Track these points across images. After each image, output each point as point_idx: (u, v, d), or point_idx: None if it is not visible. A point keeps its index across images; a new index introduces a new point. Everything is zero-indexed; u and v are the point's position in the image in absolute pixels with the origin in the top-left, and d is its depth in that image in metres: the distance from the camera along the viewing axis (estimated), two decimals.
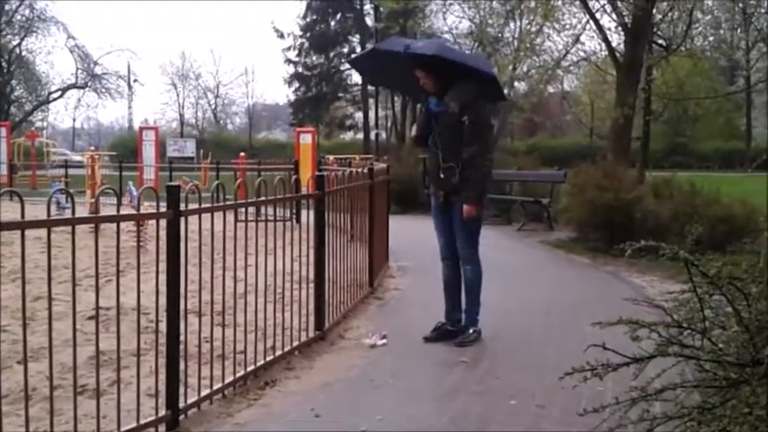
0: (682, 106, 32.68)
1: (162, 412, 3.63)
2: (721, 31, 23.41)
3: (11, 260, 6.20)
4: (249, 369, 4.35)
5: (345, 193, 6.16)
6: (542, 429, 3.68)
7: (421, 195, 14.51)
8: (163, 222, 3.72)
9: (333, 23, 45.14)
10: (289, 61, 45.05)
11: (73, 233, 3.20)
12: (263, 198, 4.68)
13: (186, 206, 3.81)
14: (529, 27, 20.20)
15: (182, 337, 3.82)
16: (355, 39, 44.64)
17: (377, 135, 43.57)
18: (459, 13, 24.46)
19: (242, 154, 19.12)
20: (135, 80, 50.89)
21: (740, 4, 19.04)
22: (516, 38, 23.33)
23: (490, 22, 20.03)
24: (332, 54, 45.00)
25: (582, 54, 18.92)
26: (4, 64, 42.19)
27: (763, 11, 19.33)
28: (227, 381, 4.11)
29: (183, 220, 3.74)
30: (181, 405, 3.74)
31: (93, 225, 3.54)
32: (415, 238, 9.32)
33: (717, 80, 28.76)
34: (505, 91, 20.13)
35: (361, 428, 3.66)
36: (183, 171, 23.41)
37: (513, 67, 20.17)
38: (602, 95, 25.69)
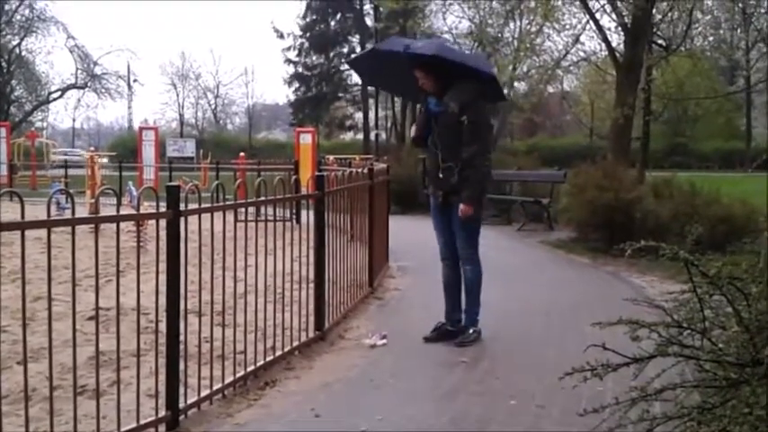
0: (682, 106, 32.70)
1: (162, 412, 3.63)
2: (721, 31, 23.43)
3: (11, 260, 6.19)
4: (249, 369, 4.35)
5: (345, 194, 6.16)
6: (542, 429, 3.68)
7: (421, 195, 14.50)
8: (163, 222, 3.72)
9: (333, 23, 45.17)
10: (289, 61, 45.09)
11: (73, 233, 3.20)
12: (262, 198, 4.67)
13: (186, 206, 3.81)
14: (529, 27, 20.22)
15: (182, 338, 3.82)
16: (355, 39, 44.66)
17: (377, 135, 43.60)
18: (458, 13, 24.52)
19: (242, 154, 19.12)
20: (135, 80, 51.01)
21: (740, 4, 19.05)
22: (516, 38, 23.36)
23: (490, 22, 20.04)
24: (332, 54, 45.02)
25: (582, 54, 18.95)
26: (3, 64, 42.20)
27: (762, 11, 19.34)
28: (227, 381, 4.11)
29: (182, 220, 3.74)
30: (181, 405, 3.74)
31: (92, 225, 3.54)
32: (414, 238, 9.32)
33: (717, 80, 28.78)
34: (505, 91, 20.13)
35: (361, 428, 3.66)
36: (182, 171, 23.40)
37: (513, 67, 20.19)
38: (602, 95, 25.72)
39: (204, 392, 3.93)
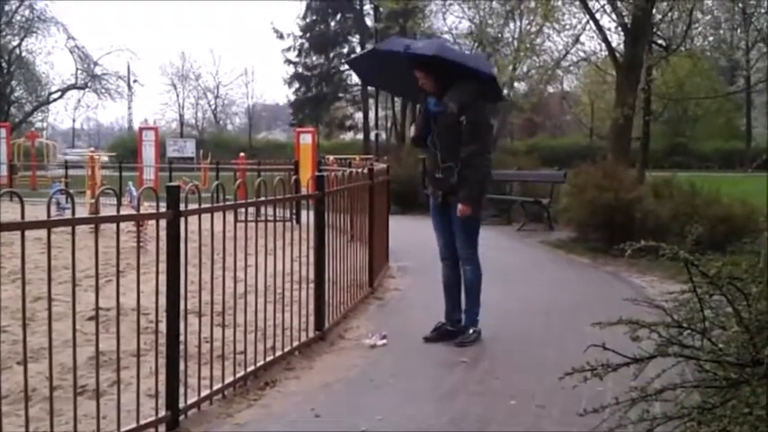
0: (681, 106, 32.68)
1: (162, 413, 3.63)
2: (721, 32, 23.42)
3: (11, 261, 6.20)
4: (249, 369, 4.35)
5: (345, 194, 6.16)
6: (542, 430, 3.68)
7: (421, 195, 14.50)
8: (163, 223, 3.72)
9: (332, 24, 45.14)
10: (288, 62, 45.07)
11: (73, 234, 3.20)
12: (262, 198, 4.68)
13: (186, 206, 3.81)
14: (529, 27, 20.23)
15: (182, 338, 3.82)
16: (355, 39, 44.64)
17: (377, 135, 43.59)
18: (458, 14, 24.52)
19: (242, 154, 19.11)
20: (135, 81, 50.94)
21: (740, 4, 19.04)
22: (516, 38, 23.36)
23: (490, 22, 20.05)
24: (332, 54, 45.00)
25: (582, 54, 18.94)
26: (3, 64, 42.18)
27: (762, 11, 19.34)
28: (227, 381, 4.11)
29: (182, 220, 3.74)
30: (181, 405, 3.74)
31: (92, 225, 3.54)
32: (414, 238, 9.31)
33: (717, 80, 28.77)
34: (505, 91, 20.21)
35: (362, 429, 3.66)
36: (182, 171, 23.40)
37: (513, 68, 20.19)
38: (602, 95, 25.71)
39: (204, 392, 3.94)
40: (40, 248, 4.64)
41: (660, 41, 16.12)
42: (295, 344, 4.92)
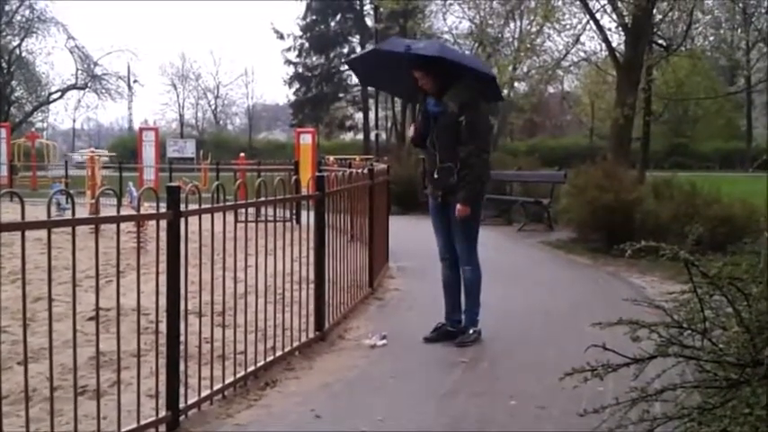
0: (682, 107, 32.72)
1: (162, 413, 3.63)
2: (721, 31, 23.36)
3: (11, 261, 6.20)
4: (249, 370, 4.35)
5: (345, 194, 6.16)
6: (542, 430, 3.68)
7: (421, 196, 14.50)
8: (163, 223, 3.72)
9: (333, 24, 45.14)
10: (289, 62, 45.08)
11: (73, 234, 3.20)
12: (263, 199, 4.68)
13: (186, 207, 3.81)
14: (529, 27, 20.22)
15: (182, 338, 3.82)
16: (355, 39, 44.65)
17: (377, 136, 43.58)
18: (459, 14, 24.44)
19: (242, 155, 19.13)
20: (135, 81, 50.85)
21: (740, 5, 19.04)
22: (516, 38, 23.36)
23: (490, 22, 20.01)
24: (332, 55, 45.01)
25: (582, 54, 18.92)
26: (4, 65, 42.17)
27: (763, 11, 19.35)
28: (227, 381, 4.11)
29: (183, 220, 3.75)
30: (181, 406, 3.74)
31: (93, 226, 3.54)
32: (414, 238, 9.31)
33: (717, 80, 28.79)
34: (505, 91, 20.20)
35: (362, 429, 3.66)
36: (182, 172, 23.42)
37: (514, 68, 20.16)
38: (603, 96, 25.68)
39: (204, 393, 3.94)
40: (40, 249, 4.64)
41: (660, 41, 16.12)
42: (295, 344, 4.92)
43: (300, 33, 44.75)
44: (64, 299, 5.01)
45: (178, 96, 52.85)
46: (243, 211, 6.05)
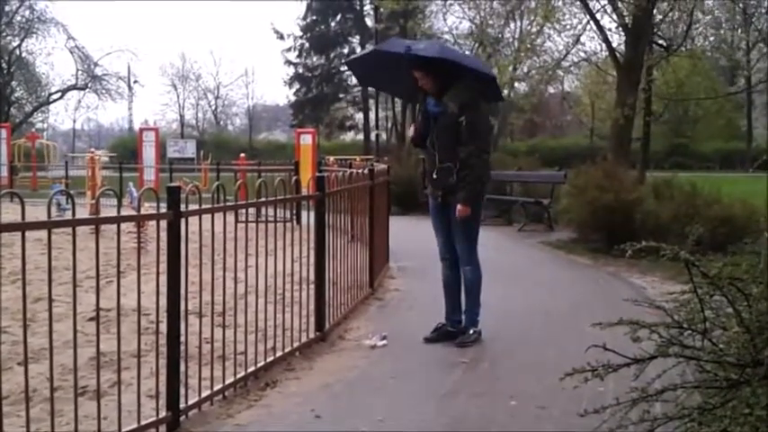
0: (682, 107, 32.70)
1: (162, 413, 3.63)
2: (722, 32, 23.36)
3: (11, 261, 6.20)
4: (250, 370, 4.35)
5: (346, 195, 6.16)
6: (543, 430, 3.68)
7: (421, 196, 14.50)
8: (163, 223, 3.72)
9: (333, 24, 45.11)
10: (289, 62, 45.06)
11: (73, 234, 3.20)
12: (263, 199, 4.68)
13: (187, 207, 3.81)
14: (529, 27, 20.23)
15: (182, 338, 3.82)
16: (355, 40, 44.63)
17: (377, 136, 43.56)
18: (459, 14, 24.47)
19: (242, 155, 19.14)
20: (135, 81, 50.81)
21: (740, 5, 19.04)
22: (517, 38, 23.37)
23: (490, 22, 20.02)
24: (332, 55, 44.99)
25: (582, 54, 18.92)
26: (4, 65, 42.17)
27: (763, 11, 19.35)
28: (227, 382, 4.11)
29: (183, 221, 3.75)
30: (181, 406, 3.74)
31: (93, 226, 3.55)
32: (415, 238, 9.31)
33: (717, 80, 28.76)
34: (506, 91, 20.20)
35: (362, 429, 3.66)
36: (183, 172, 23.39)
37: (514, 68, 20.17)
38: (603, 96, 25.66)
39: (205, 393, 3.94)
40: (40, 249, 4.64)
41: (661, 42, 16.12)
42: (295, 344, 4.92)
43: (300, 34, 44.73)
44: (64, 299, 5.01)
45: (178, 97, 52.87)
46: (243, 211, 6.04)
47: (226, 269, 4.29)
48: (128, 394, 3.59)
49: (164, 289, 3.72)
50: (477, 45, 22.65)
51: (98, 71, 45.25)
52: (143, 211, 3.99)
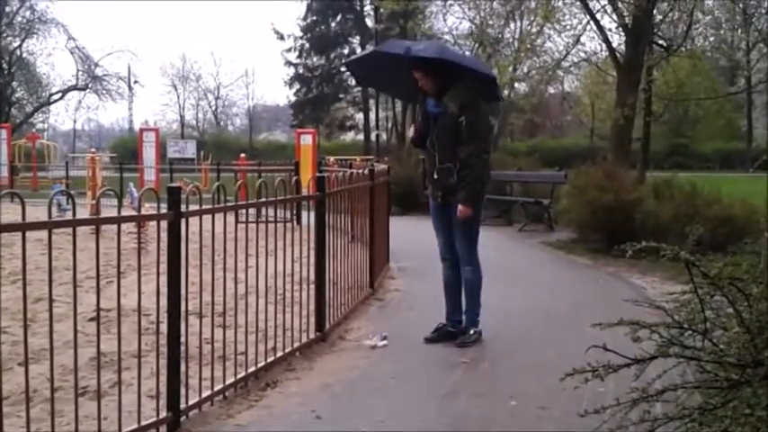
0: (682, 107, 32.71)
1: (163, 414, 3.63)
2: (722, 32, 23.37)
3: (11, 262, 6.21)
4: (250, 370, 4.35)
5: (346, 195, 6.16)
6: (543, 430, 3.68)
7: (421, 196, 14.49)
8: (164, 224, 3.72)
9: (333, 25, 45.12)
10: (289, 63, 45.07)
11: (74, 235, 3.20)
12: (263, 199, 4.68)
13: (187, 207, 3.81)
14: (529, 28, 20.23)
15: (182, 339, 3.82)
16: (355, 40, 44.64)
17: (377, 136, 43.56)
18: (459, 15, 24.47)
19: (242, 155, 19.15)
20: (135, 82, 50.81)
21: (740, 5, 19.04)
22: (517, 39, 23.36)
23: (490, 23, 20.02)
24: (332, 55, 44.99)
25: (582, 55, 18.93)
26: (4, 66, 42.20)
27: (763, 11, 19.35)
28: (227, 382, 4.11)
29: (183, 221, 3.75)
30: (182, 406, 3.74)
31: (93, 226, 3.55)
32: (415, 239, 9.31)
33: (717, 81, 28.78)
34: (506, 92, 20.20)
35: (362, 430, 3.66)
36: (183, 172, 23.41)
37: (514, 68, 20.17)
38: (603, 96, 25.68)
39: (205, 393, 3.94)
40: (40, 249, 4.64)
41: (661, 42, 16.12)
42: (296, 345, 4.93)
43: (301, 34, 44.74)
44: (64, 299, 5.01)
45: (179, 97, 52.88)
46: (243, 211, 6.04)
47: (226, 269, 4.29)
48: (128, 394, 3.59)
49: (164, 289, 3.72)
50: (477, 45, 22.66)
51: (98, 71, 45.32)
52: (143, 212, 3.99)
